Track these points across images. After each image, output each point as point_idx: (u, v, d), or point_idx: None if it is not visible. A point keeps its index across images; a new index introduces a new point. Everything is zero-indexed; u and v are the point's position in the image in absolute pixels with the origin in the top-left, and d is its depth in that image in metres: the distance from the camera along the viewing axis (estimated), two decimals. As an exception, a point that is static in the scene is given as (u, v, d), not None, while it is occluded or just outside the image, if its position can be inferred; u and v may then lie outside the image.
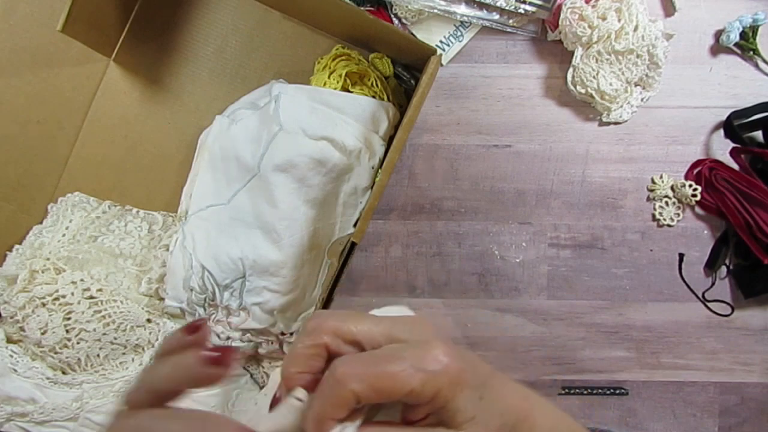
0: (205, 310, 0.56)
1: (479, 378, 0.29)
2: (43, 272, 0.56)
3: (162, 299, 0.58)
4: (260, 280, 0.54)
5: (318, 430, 0.26)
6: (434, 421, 0.28)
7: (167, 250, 0.58)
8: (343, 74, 0.56)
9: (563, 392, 0.62)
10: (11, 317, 0.55)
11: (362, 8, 0.61)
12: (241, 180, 0.55)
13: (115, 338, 0.56)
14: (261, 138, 0.53)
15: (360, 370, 0.26)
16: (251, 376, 0.60)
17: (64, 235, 0.58)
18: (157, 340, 0.57)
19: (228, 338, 0.56)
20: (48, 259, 0.56)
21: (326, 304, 0.55)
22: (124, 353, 0.57)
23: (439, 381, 0.27)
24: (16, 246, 0.59)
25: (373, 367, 0.26)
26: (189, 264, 0.55)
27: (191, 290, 0.55)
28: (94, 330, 0.56)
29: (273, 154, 0.52)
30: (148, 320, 0.57)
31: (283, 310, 0.55)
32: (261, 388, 0.59)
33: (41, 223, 0.60)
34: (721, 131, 0.63)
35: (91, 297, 0.55)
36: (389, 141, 0.58)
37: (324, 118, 0.53)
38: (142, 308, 0.57)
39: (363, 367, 0.26)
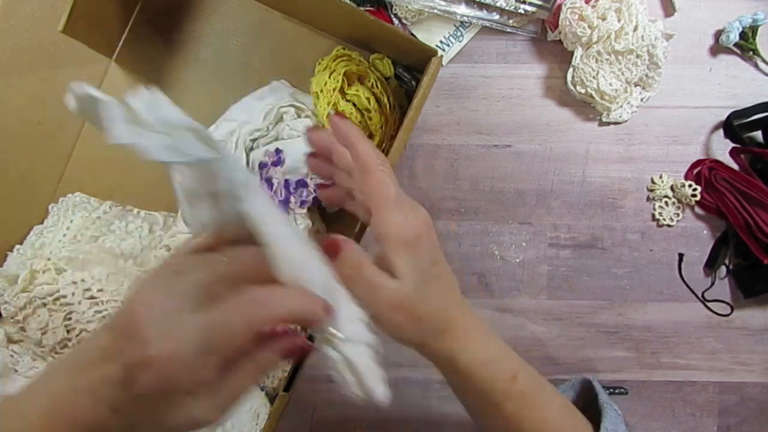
0: None
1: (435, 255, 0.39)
2: (43, 272, 0.56)
3: None
4: None
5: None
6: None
7: (168, 250, 0.58)
8: (342, 73, 0.56)
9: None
10: (12, 317, 0.56)
11: (362, 8, 0.61)
12: None
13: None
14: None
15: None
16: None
17: (65, 235, 0.58)
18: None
19: None
20: (49, 259, 0.56)
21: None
22: (124, 353, 0.57)
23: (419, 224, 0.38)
24: (17, 246, 0.60)
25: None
26: None
27: None
28: (95, 330, 0.56)
29: None
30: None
31: None
32: (261, 388, 0.59)
33: (42, 223, 0.60)
34: (721, 131, 0.63)
35: (92, 297, 0.55)
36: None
37: None
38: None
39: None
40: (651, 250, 0.63)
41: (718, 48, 0.63)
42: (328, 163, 0.43)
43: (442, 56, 0.62)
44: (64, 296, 0.55)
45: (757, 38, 0.62)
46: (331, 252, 0.38)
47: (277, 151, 0.57)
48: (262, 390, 0.59)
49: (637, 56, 0.60)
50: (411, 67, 0.61)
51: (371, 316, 0.37)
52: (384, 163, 0.38)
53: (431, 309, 0.38)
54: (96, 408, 0.28)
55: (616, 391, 0.63)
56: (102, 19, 0.60)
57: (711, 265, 0.62)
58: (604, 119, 0.62)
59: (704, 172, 0.62)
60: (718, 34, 0.62)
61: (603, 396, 0.48)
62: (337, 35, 0.63)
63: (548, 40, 0.63)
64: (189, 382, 0.29)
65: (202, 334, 0.29)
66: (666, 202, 0.62)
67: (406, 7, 0.61)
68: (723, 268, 0.62)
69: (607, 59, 0.60)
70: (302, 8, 0.61)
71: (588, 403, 0.49)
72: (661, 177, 0.62)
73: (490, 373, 0.41)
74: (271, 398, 0.59)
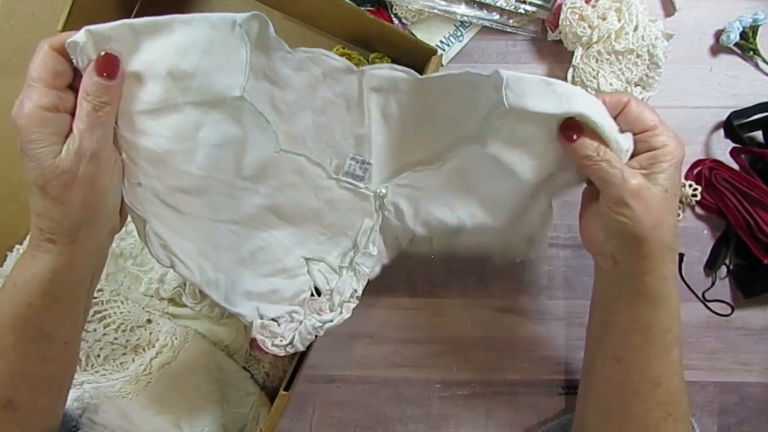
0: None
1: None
2: (43, 273, 0.56)
3: (162, 299, 0.58)
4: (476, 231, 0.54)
5: None
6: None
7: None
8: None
9: (563, 392, 0.62)
10: (11, 318, 0.56)
11: (362, 8, 0.61)
12: (452, 142, 0.50)
13: (116, 339, 0.56)
14: (478, 105, 0.46)
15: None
16: (252, 376, 0.60)
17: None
18: (157, 340, 0.57)
19: None
20: (48, 259, 0.56)
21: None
22: (124, 354, 0.57)
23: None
24: (17, 246, 0.60)
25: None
26: (396, 231, 0.54)
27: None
28: (94, 330, 0.56)
29: (502, 133, 0.46)
30: (149, 321, 0.57)
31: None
32: (261, 388, 0.59)
33: (41, 223, 0.60)
34: (721, 131, 0.63)
35: (92, 297, 0.55)
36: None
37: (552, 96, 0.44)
38: (143, 309, 0.57)
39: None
40: (651, 250, 0.63)
41: (718, 48, 0.63)
42: None
43: (441, 55, 0.62)
44: (64, 296, 0.55)
45: (758, 38, 0.62)
46: (566, 137, 0.44)
47: None
48: (263, 390, 0.59)
49: (638, 56, 0.60)
50: (411, 66, 0.61)
51: (614, 199, 0.43)
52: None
53: (667, 216, 0.43)
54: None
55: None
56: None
57: (711, 265, 0.62)
58: (604, 119, 0.62)
59: (704, 172, 0.62)
60: (718, 34, 0.62)
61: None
62: (337, 35, 0.63)
63: (548, 40, 0.63)
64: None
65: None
66: (666, 202, 0.62)
67: (406, 6, 0.61)
68: (723, 268, 0.62)
69: (607, 59, 0.60)
70: (302, 8, 0.61)
71: None
72: (661, 177, 0.62)
73: (674, 315, 0.45)
74: (272, 398, 0.59)
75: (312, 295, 0.53)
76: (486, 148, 0.47)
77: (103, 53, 0.38)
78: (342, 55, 0.59)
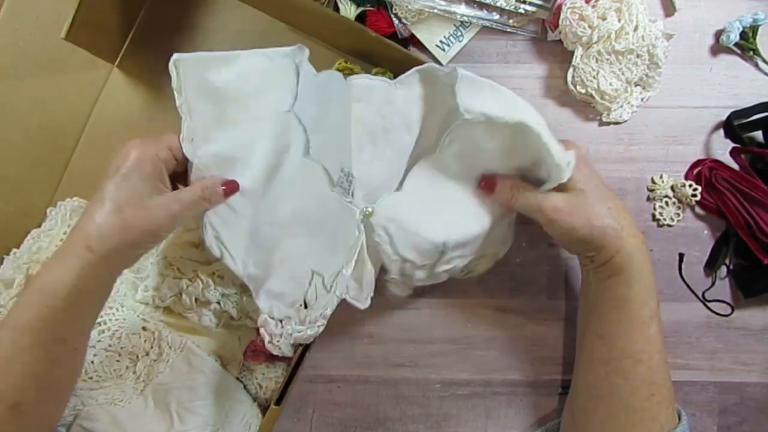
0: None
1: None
2: (40, 276, 0.55)
3: (158, 307, 0.58)
4: (456, 252, 0.54)
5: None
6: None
7: (164, 258, 0.57)
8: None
9: (563, 392, 0.62)
10: (8, 321, 0.55)
11: (362, 8, 0.61)
12: (421, 154, 0.54)
13: (110, 345, 0.56)
14: (434, 109, 0.54)
15: None
16: (245, 387, 0.59)
17: (62, 239, 0.58)
18: (151, 348, 0.56)
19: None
20: (45, 263, 0.56)
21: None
22: (118, 360, 0.56)
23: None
24: (14, 250, 0.59)
25: None
26: (384, 258, 0.54)
27: (389, 281, 0.56)
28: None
29: (460, 142, 0.51)
30: (144, 328, 0.57)
31: (466, 266, 0.57)
32: (254, 399, 0.59)
33: (39, 227, 0.60)
34: (721, 131, 0.63)
35: (89, 302, 0.55)
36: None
37: (505, 101, 0.50)
38: (138, 316, 0.57)
39: None
40: (651, 250, 0.62)
41: (718, 48, 0.63)
42: None
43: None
44: (61, 300, 0.55)
45: (758, 38, 0.62)
46: (486, 189, 0.53)
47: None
48: (255, 401, 0.59)
49: (638, 56, 0.60)
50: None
51: (545, 222, 0.49)
52: None
53: (597, 206, 0.48)
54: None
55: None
56: (105, 26, 0.60)
57: (711, 265, 0.62)
58: (604, 119, 0.62)
59: (704, 172, 0.62)
60: (718, 34, 0.62)
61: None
62: (341, 48, 0.63)
63: (548, 40, 0.63)
64: None
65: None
66: (666, 202, 0.62)
67: (406, 7, 0.61)
68: (723, 268, 0.62)
69: (607, 59, 0.60)
70: (306, 20, 0.61)
71: None
72: (661, 177, 0.62)
73: (649, 289, 0.49)
74: (263, 409, 0.59)
75: (300, 306, 0.55)
76: (442, 157, 0.53)
77: (232, 183, 0.49)
78: (344, 68, 0.59)
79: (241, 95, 0.49)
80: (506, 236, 0.57)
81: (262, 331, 0.54)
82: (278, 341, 0.54)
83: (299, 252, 0.55)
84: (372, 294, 0.54)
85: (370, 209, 0.53)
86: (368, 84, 0.55)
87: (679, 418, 0.50)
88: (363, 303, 0.53)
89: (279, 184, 0.52)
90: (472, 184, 0.54)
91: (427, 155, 0.54)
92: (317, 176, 0.53)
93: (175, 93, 0.48)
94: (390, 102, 0.55)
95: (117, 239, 0.43)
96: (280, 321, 0.54)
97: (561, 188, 0.49)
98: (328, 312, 0.53)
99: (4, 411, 0.40)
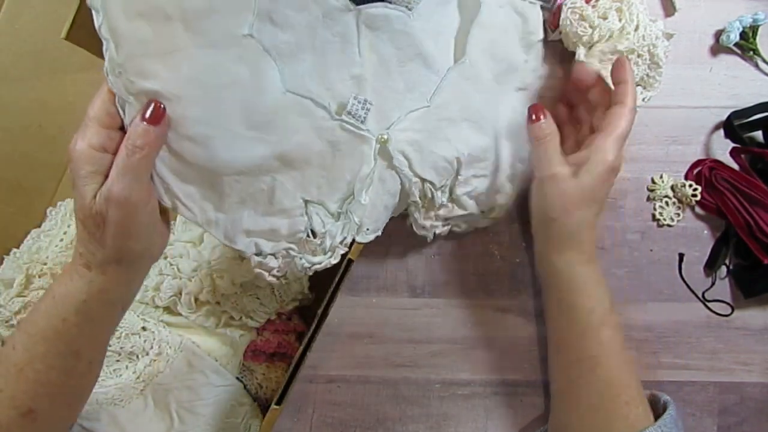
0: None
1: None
2: (39, 277, 0.56)
3: (158, 307, 0.58)
4: (470, 170, 0.55)
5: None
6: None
7: (165, 258, 0.57)
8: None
9: (563, 392, 0.62)
10: (6, 321, 0.55)
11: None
12: (432, 77, 0.54)
13: (109, 345, 0.56)
14: (444, 31, 0.54)
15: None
16: (245, 386, 0.59)
17: (61, 240, 0.58)
18: (151, 348, 0.56)
19: (432, 226, 0.58)
20: (45, 264, 0.56)
21: (328, 305, 0.55)
22: (117, 360, 0.56)
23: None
24: (14, 250, 0.59)
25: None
26: (405, 182, 0.53)
27: (413, 208, 0.56)
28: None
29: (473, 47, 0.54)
30: (143, 328, 0.57)
31: (486, 191, 0.58)
32: (254, 399, 0.59)
33: (39, 227, 0.60)
34: (721, 131, 0.63)
35: (88, 303, 0.55)
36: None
37: None
38: (137, 316, 0.57)
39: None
40: (651, 250, 0.63)
41: (718, 48, 0.63)
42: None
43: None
44: (61, 300, 0.55)
45: (758, 38, 0.62)
46: (535, 111, 0.53)
47: None
48: (255, 401, 0.59)
49: (638, 56, 0.60)
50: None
51: (541, 178, 0.52)
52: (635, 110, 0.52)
53: (578, 210, 0.50)
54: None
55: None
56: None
57: (711, 265, 0.62)
58: (604, 119, 0.62)
59: (704, 172, 0.62)
60: (718, 34, 0.62)
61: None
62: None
63: (549, 40, 0.63)
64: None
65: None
66: (666, 202, 0.62)
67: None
68: (723, 268, 0.62)
69: (609, 59, 0.60)
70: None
71: None
72: (661, 177, 0.62)
73: (600, 295, 0.51)
74: (263, 409, 0.59)
75: (308, 236, 0.52)
76: (469, 66, 0.54)
77: (151, 103, 0.40)
78: None
79: (189, 14, 0.40)
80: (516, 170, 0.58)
81: (257, 270, 0.51)
82: (279, 273, 0.51)
83: (280, 187, 0.50)
84: (378, 232, 0.54)
85: (385, 136, 0.51)
86: (385, 13, 0.50)
87: (665, 410, 0.50)
88: (366, 237, 0.53)
89: (246, 130, 0.46)
90: (498, 96, 0.56)
91: (456, 66, 0.54)
92: (308, 110, 0.48)
93: (92, 9, 0.39)
94: (407, 34, 0.51)
95: (101, 255, 0.41)
96: (276, 254, 0.51)
97: (576, 170, 0.51)
98: (349, 239, 0.52)
99: (17, 417, 0.40)
